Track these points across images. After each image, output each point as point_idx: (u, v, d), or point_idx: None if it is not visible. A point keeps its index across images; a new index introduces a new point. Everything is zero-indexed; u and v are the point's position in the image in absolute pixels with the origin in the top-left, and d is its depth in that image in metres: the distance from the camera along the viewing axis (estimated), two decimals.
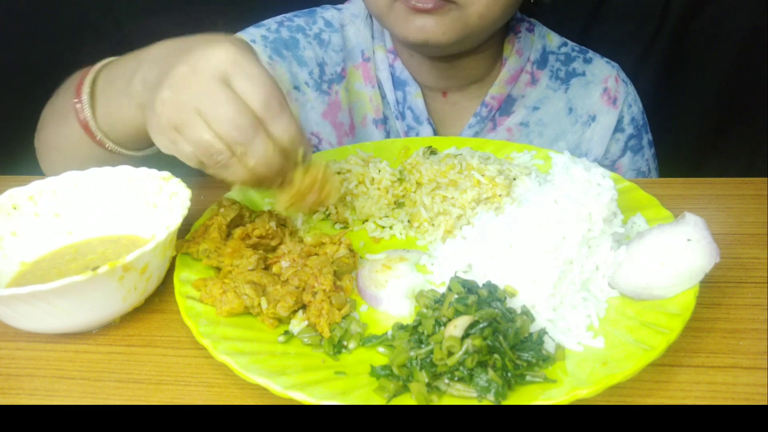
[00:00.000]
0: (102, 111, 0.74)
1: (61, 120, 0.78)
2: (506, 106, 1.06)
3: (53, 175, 0.73)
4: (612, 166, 1.10)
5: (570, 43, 1.12)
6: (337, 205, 0.78)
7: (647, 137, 1.12)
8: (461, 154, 0.83)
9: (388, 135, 1.06)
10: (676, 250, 0.61)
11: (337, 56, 1.05)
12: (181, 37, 0.68)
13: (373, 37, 1.06)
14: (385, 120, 1.06)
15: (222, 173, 0.59)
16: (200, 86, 0.57)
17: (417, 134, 1.04)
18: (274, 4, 1.09)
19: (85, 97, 0.73)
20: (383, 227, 0.77)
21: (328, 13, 1.07)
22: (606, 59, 1.11)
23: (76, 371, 0.60)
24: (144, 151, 0.79)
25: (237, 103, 0.57)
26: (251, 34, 1.02)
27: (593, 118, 1.08)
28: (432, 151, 0.86)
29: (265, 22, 1.05)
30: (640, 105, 1.12)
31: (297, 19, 1.06)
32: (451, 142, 0.92)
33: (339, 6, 1.09)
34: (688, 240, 0.61)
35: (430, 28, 0.87)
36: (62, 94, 0.81)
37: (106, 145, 0.76)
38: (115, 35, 1.32)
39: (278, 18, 1.06)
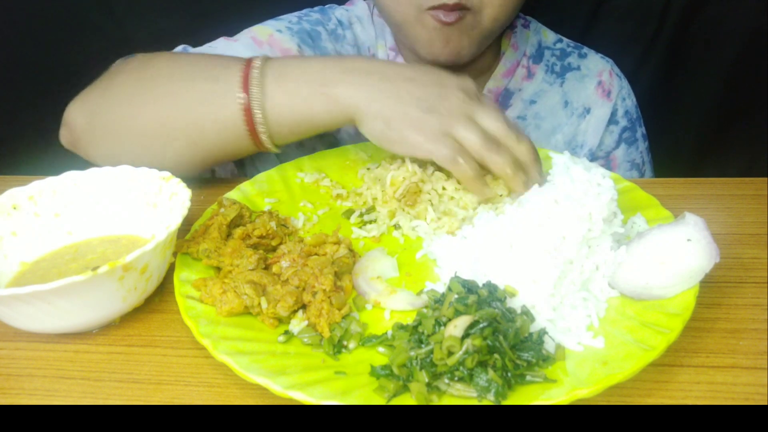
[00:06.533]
0: (273, 103, 0.76)
1: (196, 107, 0.78)
2: (504, 99, 1.08)
3: (114, 160, 0.73)
4: (607, 158, 1.12)
5: (565, 39, 1.14)
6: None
7: (641, 130, 1.14)
8: None
9: None
10: (676, 250, 0.61)
11: (352, 50, 1.07)
12: (384, 61, 0.84)
13: (376, 37, 1.07)
14: None
15: (490, 160, 0.71)
16: (470, 101, 0.73)
17: None
18: (275, 4, 1.09)
19: (255, 89, 0.75)
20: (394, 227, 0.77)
21: (338, 12, 1.08)
22: (600, 54, 1.14)
23: (76, 371, 0.60)
24: (282, 148, 0.81)
25: (498, 113, 0.74)
26: (274, 26, 1.03)
27: (588, 111, 1.10)
28: None
29: (283, 17, 1.06)
30: (634, 99, 1.14)
31: (313, 14, 1.07)
32: None
33: (344, 7, 1.10)
34: (688, 240, 0.61)
35: (455, 39, 0.91)
36: (181, 81, 0.80)
37: (261, 137, 0.77)
38: (116, 35, 1.32)
39: (295, 14, 1.07)
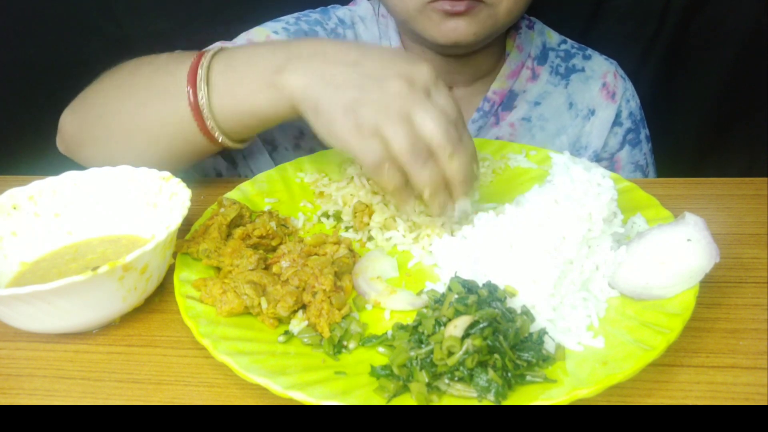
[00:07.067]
0: (218, 96, 0.73)
1: (152, 103, 0.77)
2: (508, 101, 1.08)
3: (104, 163, 0.73)
4: (611, 159, 1.12)
5: (569, 41, 1.14)
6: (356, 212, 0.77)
7: (645, 132, 1.14)
8: None
9: None
10: (676, 250, 0.61)
11: None
12: (336, 41, 0.77)
13: (380, 37, 1.07)
14: None
15: (413, 172, 0.64)
16: (412, 96, 0.63)
17: None
18: (276, 5, 1.09)
19: (201, 83, 0.72)
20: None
21: (340, 11, 1.08)
22: (605, 56, 1.14)
23: (76, 371, 0.60)
24: (243, 144, 0.79)
25: (443, 114, 0.64)
26: (271, 27, 1.03)
27: (592, 112, 1.10)
28: None
29: (282, 18, 1.05)
30: (638, 101, 1.14)
31: (313, 14, 1.07)
32: None
33: (347, 7, 1.10)
34: (688, 240, 0.61)
35: (462, 29, 0.89)
36: (144, 77, 0.78)
37: (213, 133, 0.75)
38: (116, 35, 1.32)
39: (294, 15, 1.07)
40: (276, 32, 1.01)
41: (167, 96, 0.75)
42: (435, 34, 0.91)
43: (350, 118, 0.64)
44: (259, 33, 1.01)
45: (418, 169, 0.64)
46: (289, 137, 1.05)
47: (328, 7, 1.10)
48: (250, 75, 0.71)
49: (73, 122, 0.83)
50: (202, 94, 0.72)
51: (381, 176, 0.65)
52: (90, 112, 0.83)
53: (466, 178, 0.66)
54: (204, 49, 0.77)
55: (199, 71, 0.73)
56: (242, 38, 1.01)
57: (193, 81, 0.73)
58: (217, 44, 0.77)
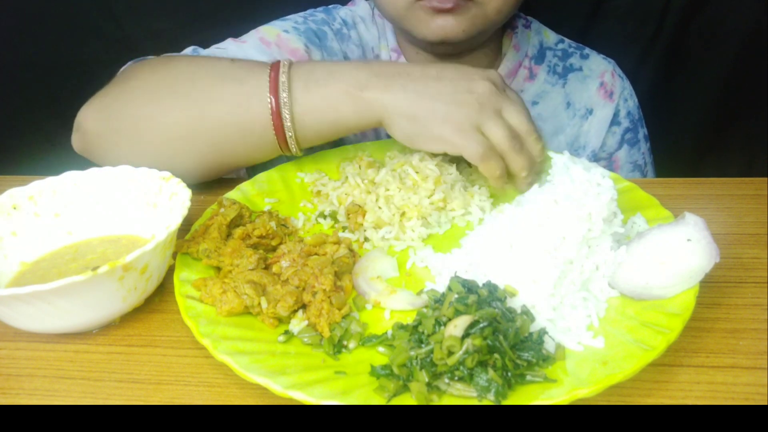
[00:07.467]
0: (300, 106, 0.76)
1: (217, 109, 0.78)
2: None
3: (129, 164, 0.73)
4: (609, 159, 1.12)
5: (567, 40, 1.14)
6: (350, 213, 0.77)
7: (643, 131, 1.14)
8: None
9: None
10: (676, 250, 0.61)
11: (357, 50, 1.07)
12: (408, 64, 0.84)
13: (378, 37, 1.07)
14: None
15: (513, 159, 0.73)
16: (498, 94, 0.74)
17: None
18: (276, 4, 1.09)
19: (283, 93, 0.75)
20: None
21: (342, 12, 1.09)
22: (602, 55, 1.13)
23: (76, 371, 0.60)
24: (305, 151, 0.83)
25: (522, 106, 0.75)
26: (281, 26, 1.03)
27: (590, 112, 1.10)
28: None
29: (289, 17, 1.06)
30: (636, 100, 1.14)
31: (318, 14, 1.07)
32: None
33: (347, 7, 1.10)
34: (688, 240, 0.61)
35: (451, 26, 0.89)
36: (202, 82, 0.79)
37: (290, 141, 0.78)
38: (116, 35, 1.32)
39: (301, 14, 1.07)
40: (286, 31, 1.01)
41: (241, 102, 0.77)
42: (424, 32, 0.91)
43: (451, 120, 0.72)
44: (270, 32, 1.01)
45: (515, 156, 0.73)
46: None
47: (330, 7, 1.10)
48: (334, 88, 0.76)
49: (98, 121, 0.81)
50: (284, 102, 0.75)
51: (488, 165, 0.72)
52: (122, 112, 0.81)
53: (545, 157, 0.77)
54: (273, 61, 0.79)
55: (281, 81, 0.76)
56: (253, 36, 1.00)
57: (275, 90, 0.75)
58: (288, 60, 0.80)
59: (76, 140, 0.83)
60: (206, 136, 0.78)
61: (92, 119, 0.81)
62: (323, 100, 0.76)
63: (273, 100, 0.75)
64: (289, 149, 0.79)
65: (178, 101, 0.78)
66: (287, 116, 0.76)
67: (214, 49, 0.97)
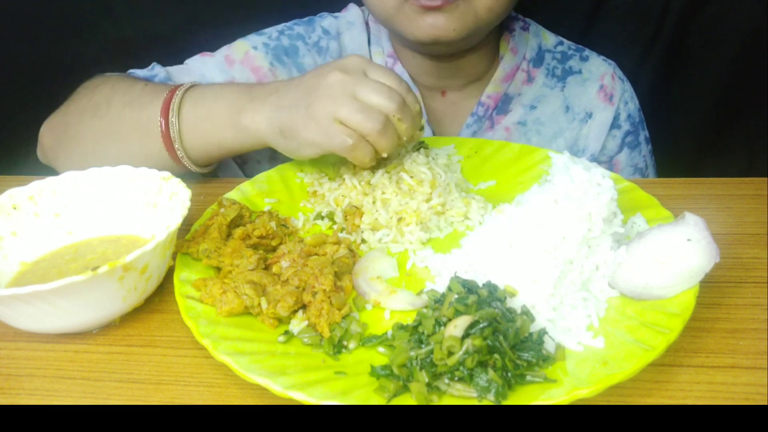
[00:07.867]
0: (187, 129, 0.82)
1: (128, 133, 0.85)
2: (503, 104, 1.07)
3: (76, 168, 0.75)
4: (609, 162, 1.11)
5: (566, 41, 1.12)
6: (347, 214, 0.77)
7: (644, 134, 1.13)
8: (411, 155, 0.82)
9: None
10: (676, 250, 0.61)
11: None
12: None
13: (369, 43, 1.06)
14: None
15: (375, 141, 0.71)
16: (351, 78, 0.71)
17: None
18: (275, 7, 1.09)
19: (173, 117, 0.81)
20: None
21: (326, 21, 1.07)
22: (603, 57, 1.12)
23: (76, 371, 0.60)
24: (208, 168, 0.88)
25: (383, 85, 0.72)
26: (253, 41, 1.03)
27: (590, 115, 1.09)
28: (424, 146, 0.85)
29: (266, 30, 1.06)
30: (637, 102, 1.12)
31: (297, 27, 1.06)
32: (449, 142, 0.92)
33: (336, 14, 1.09)
34: (688, 240, 0.61)
35: (441, 25, 0.88)
36: (119, 107, 0.85)
37: (183, 160, 0.83)
38: (113, 36, 1.32)
39: (279, 27, 1.06)
40: (255, 47, 1.02)
41: (140, 126, 0.83)
42: (414, 31, 0.90)
43: (311, 121, 0.72)
44: (239, 47, 1.02)
45: (377, 139, 0.71)
46: (265, 151, 1.05)
47: (316, 17, 1.08)
48: (216, 112, 0.81)
49: (51, 137, 0.91)
50: (173, 126, 0.81)
51: (355, 155, 0.72)
52: (67, 131, 0.89)
53: (414, 135, 0.76)
54: (176, 84, 0.84)
55: (172, 104, 0.81)
56: (221, 53, 1.02)
57: (165, 113, 0.81)
58: (186, 85, 0.85)
59: (39, 153, 0.94)
60: (123, 155, 0.81)
61: (46, 136, 0.92)
62: (206, 121, 0.81)
63: (163, 122, 0.81)
64: (188, 168, 0.84)
65: (98, 121, 0.86)
66: (175, 137, 0.81)
67: (181, 67, 1.00)
